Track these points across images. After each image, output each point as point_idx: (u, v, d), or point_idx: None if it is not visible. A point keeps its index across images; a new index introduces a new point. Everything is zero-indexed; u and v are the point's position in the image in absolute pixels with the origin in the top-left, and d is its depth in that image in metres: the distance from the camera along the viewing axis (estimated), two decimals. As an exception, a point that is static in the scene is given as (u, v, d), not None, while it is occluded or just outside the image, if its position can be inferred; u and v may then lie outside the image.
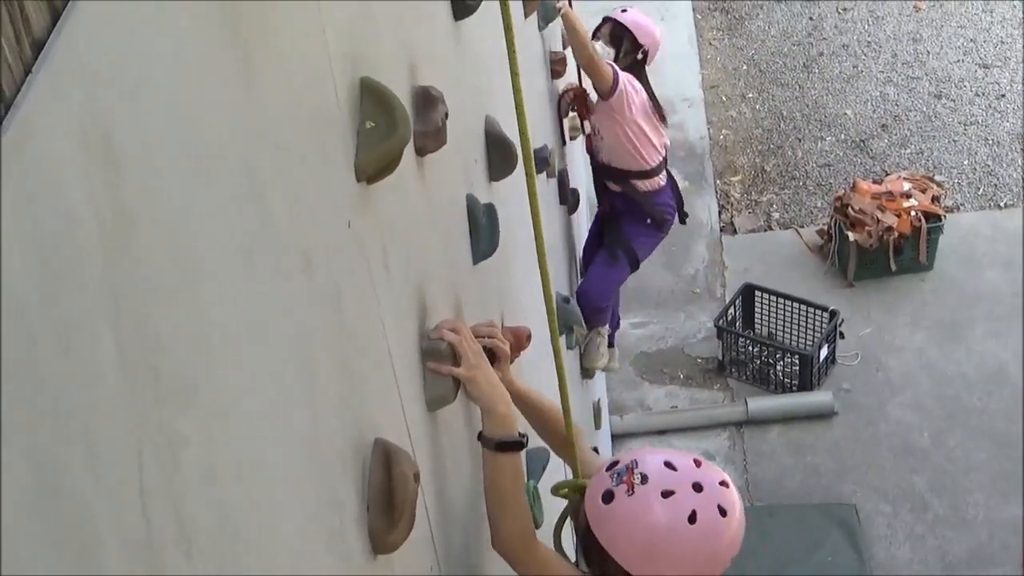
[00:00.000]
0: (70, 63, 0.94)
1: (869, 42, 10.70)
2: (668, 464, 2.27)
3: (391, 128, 1.80)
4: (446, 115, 2.28)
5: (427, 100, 2.23)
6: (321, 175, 1.64)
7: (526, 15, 4.46)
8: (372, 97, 1.84)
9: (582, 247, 6.74)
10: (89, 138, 0.95)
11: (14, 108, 0.87)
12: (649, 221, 6.23)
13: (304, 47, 1.61)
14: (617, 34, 6.01)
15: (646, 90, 5.97)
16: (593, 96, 5.96)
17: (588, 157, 6.35)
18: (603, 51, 5.90)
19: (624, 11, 6.09)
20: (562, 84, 6.10)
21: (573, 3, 5.70)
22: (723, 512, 2.22)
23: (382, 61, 2.05)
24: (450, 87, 2.55)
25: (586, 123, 6.09)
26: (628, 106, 5.78)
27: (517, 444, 2.32)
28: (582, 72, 5.91)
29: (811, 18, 11.06)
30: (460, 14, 2.82)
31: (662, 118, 6.08)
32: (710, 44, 10.96)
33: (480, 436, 2.34)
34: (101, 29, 1.00)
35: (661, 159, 6.13)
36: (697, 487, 2.23)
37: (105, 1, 1.01)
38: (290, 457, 1.39)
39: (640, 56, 5.99)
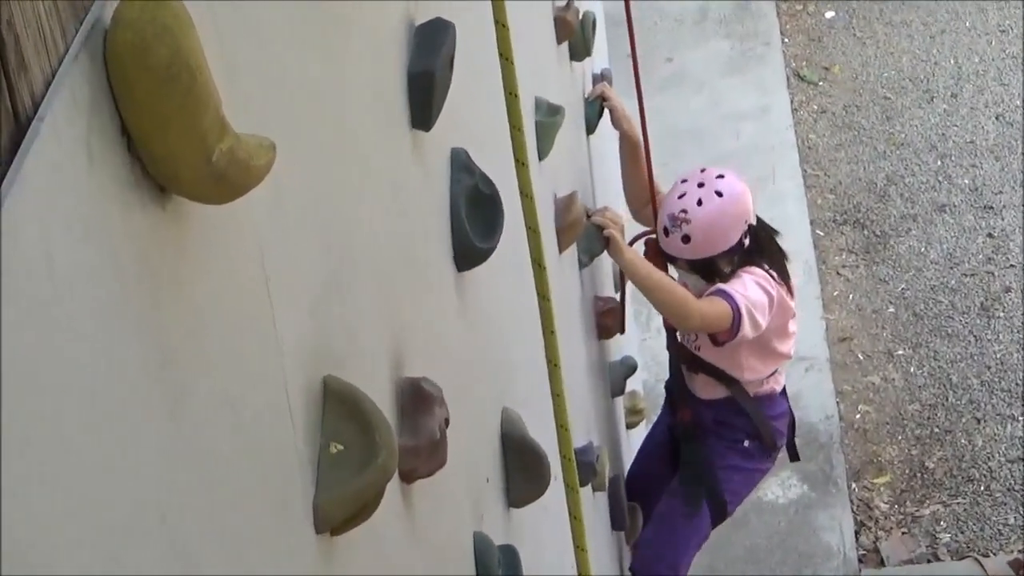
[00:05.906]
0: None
1: (1079, 271, 10.89)
2: None
3: (368, 454, 1.89)
4: (446, 421, 2.36)
5: (419, 400, 2.32)
6: (269, 533, 1.72)
7: (561, 249, 4.60)
8: (339, 407, 1.93)
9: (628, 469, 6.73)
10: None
11: None
12: (747, 443, 6.11)
13: (249, 345, 1.71)
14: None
15: (770, 253, 5.82)
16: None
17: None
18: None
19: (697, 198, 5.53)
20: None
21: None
22: None
23: (355, 345, 2.15)
24: (451, 371, 2.65)
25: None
26: (754, 330, 5.56)
27: None
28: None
29: (991, 234, 11.22)
30: (465, 263, 2.92)
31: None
32: (838, 274, 11.12)
33: None
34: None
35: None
36: None
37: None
38: None
39: (749, 240, 5.66)
